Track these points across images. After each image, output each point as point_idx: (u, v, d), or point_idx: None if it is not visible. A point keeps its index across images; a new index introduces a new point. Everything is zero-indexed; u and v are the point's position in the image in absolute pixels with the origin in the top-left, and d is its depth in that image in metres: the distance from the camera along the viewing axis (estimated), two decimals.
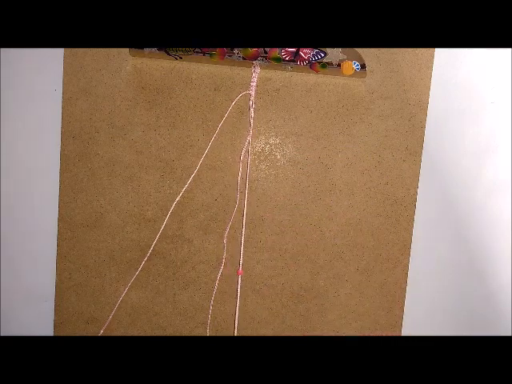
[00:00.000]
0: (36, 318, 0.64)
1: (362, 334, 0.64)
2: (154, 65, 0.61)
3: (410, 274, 0.63)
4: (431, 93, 0.60)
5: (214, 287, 0.63)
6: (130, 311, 0.64)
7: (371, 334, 0.64)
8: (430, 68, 0.60)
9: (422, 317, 0.64)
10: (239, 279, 0.62)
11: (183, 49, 0.58)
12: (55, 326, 0.64)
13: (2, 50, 0.61)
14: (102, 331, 0.63)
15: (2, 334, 0.65)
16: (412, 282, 0.63)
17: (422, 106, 0.61)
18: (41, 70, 0.61)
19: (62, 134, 0.61)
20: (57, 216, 0.62)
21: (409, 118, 0.61)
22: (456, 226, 0.63)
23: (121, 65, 0.61)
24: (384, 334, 0.64)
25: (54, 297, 0.63)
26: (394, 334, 0.64)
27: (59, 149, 0.61)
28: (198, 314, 0.64)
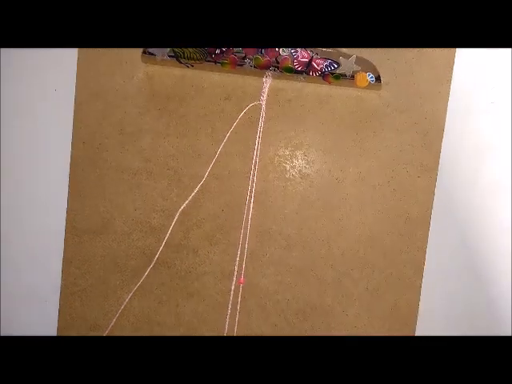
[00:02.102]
0: (40, 323, 0.64)
1: None
2: (165, 72, 0.60)
3: (422, 296, 0.60)
4: (449, 107, 0.58)
5: (227, 298, 0.62)
6: (132, 320, 0.63)
7: None
8: (449, 81, 0.58)
9: (438, 334, 0.61)
10: (240, 288, 0.61)
11: (195, 57, 0.57)
12: (59, 331, 0.63)
13: (15, 57, 0.62)
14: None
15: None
16: (425, 305, 0.60)
17: (439, 120, 0.58)
18: (54, 76, 0.62)
19: (73, 138, 0.61)
20: (64, 221, 0.62)
21: (425, 132, 0.58)
22: (474, 246, 0.60)
23: (133, 72, 0.61)
24: None
25: (58, 301, 0.63)
26: None
27: (69, 154, 0.62)
28: (200, 326, 0.62)
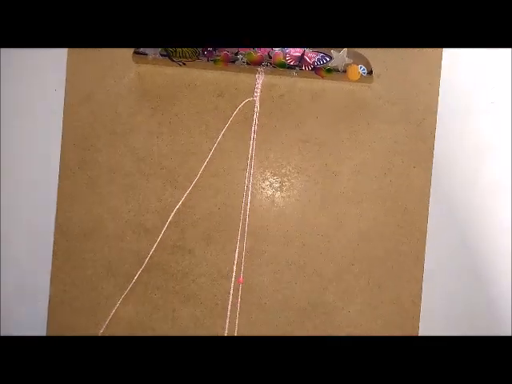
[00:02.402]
0: (34, 324, 0.61)
1: None
2: (157, 71, 0.60)
3: (424, 288, 0.59)
4: (440, 97, 0.59)
5: (226, 300, 0.60)
6: (126, 327, 0.60)
7: None
8: (439, 72, 0.59)
9: (439, 334, 0.59)
10: (239, 288, 0.59)
11: (187, 55, 0.57)
12: None
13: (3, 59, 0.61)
14: None
15: None
16: (427, 297, 0.59)
17: (431, 110, 0.59)
18: (43, 77, 0.61)
19: (63, 140, 0.60)
20: (53, 225, 0.60)
21: (418, 123, 0.59)
22: (472, 234, 0.60)
23: (124, 72, 0.60)
24: None
25: (47, 311, 0.60)
26: None
27: (59, 156, 0.60)
28: (198, 331, 0.60)
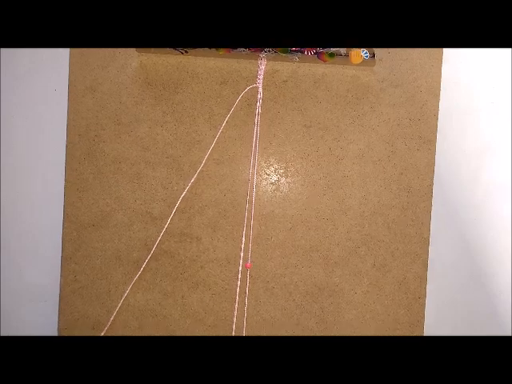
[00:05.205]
0: (40, 322, 0.62)
1: (381, 335, 0.60)
2: (160, 60, 0.60)
3: (429, 268, 0.60)
4: (443, 79, 0.59)
5: (234, 285, 0.60)
6: (137, 314, 0.61)
7: (391, 335, 0.60)
8: (441, 54, 0.59)
9: (445, 314, 0.60)
10: (248, 273, 0.60)
11: None
12: (60, 331, 0.61)
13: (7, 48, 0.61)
14: (102, 333, 0.60)
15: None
16: (432, 278, 0.60)
17: (434, 92, 0.59)
18: (47, 69, 0.61)
19: (68, 131, 0.60)
20: (62, 216, 0.61)
21: (421, 105, 0.59)
22: (475, 215, 0.60)
23: (127, 61, 0.60)
24: (405, 334, 0.60)
25: (58, 300, 0.61)
26: (416, 333, 0.60)
27: (65, 147, 0.60)
28: (207, 316, 0.61)
